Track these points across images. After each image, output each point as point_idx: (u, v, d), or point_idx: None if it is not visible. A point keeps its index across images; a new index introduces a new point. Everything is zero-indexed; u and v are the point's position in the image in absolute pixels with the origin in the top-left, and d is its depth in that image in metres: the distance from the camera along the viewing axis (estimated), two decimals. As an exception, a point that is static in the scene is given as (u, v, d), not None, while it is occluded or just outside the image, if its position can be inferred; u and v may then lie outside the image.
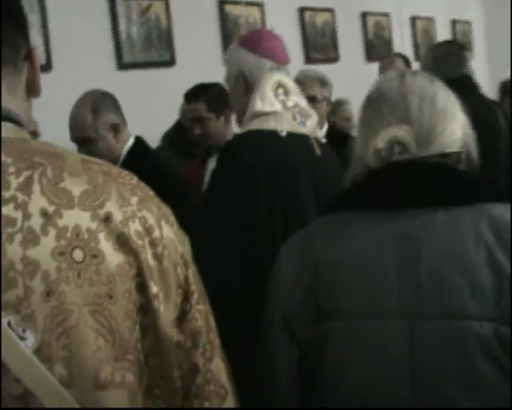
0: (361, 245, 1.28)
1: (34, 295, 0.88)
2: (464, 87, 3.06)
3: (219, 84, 3.41)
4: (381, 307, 1.23)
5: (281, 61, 2.34)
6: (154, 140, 3.97)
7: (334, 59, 6.21)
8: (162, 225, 1.01)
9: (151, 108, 4.34)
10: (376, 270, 1.24)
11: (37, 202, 0.91)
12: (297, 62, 5.78)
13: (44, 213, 0.91)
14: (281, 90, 2.28)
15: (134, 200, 0.99)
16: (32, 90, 1.10)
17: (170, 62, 4.63)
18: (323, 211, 1.42)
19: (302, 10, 5.88)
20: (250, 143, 2.22)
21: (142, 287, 0.96)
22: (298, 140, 2.25)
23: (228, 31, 5.12)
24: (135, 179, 1.04)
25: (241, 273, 2.19)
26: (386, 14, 6.93)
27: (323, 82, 3.93)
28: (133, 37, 4.45)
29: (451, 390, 1.18)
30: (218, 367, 1.05)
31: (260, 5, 5.39)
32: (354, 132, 4.91)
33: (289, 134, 2.22)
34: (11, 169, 0.93)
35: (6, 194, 0.91)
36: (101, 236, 0.93)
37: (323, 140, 2.36)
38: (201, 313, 1.04)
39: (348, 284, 1.26)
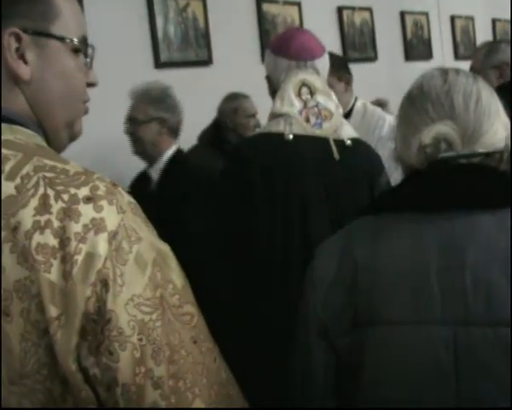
0: (402, 249, 1.24)
1: None
2: None
3: None
4: (424, 312, 1.19)
5: (301, 59, 2.29)
6: (190, 139, 3.96)
7: (373, 58, 6.15)
8: (87, 237, 0.89)
9: (188, 107, 4.31)
10: (418, 274, 1.21)
11: None
12: (335, 62, 5.74)
13: None
14: (305, 89, 2.25)
15: (57, 207, 0.90)
16: (14, 76, 1.04)
17: (207, 61, 4.61)
18: (361, 212, 1.37)
19: (340, 9, 5.84)
20: (252, 146, 2.27)
21: (42, 308, 0.86)
22: (308, 143, 2.22)
23: (265, 30, 5.09)
24: (84, 179, 0.94)
25: (239, 277, 2.21)
26: (425, 13, 6.85)
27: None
28: (170, 35, 4.45)
29: (496, 398, 1.14)
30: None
31: (298, 4, 5.35)
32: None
33: (298, 137, 2.20)
34: None
35: None
36: (6, 247, 0.87)
37: (348, 142, 2.28)
38: (123, 345, 0.88)
39: (389, 289, 1.23)
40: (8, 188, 0.91)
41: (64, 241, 0.87)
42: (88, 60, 1.15)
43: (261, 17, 5.08)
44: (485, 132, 1.26)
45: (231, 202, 2.22)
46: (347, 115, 3.24)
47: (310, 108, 2.25)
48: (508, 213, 1.19)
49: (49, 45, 1.07)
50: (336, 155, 2.24)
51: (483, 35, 7.54)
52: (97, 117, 4.05)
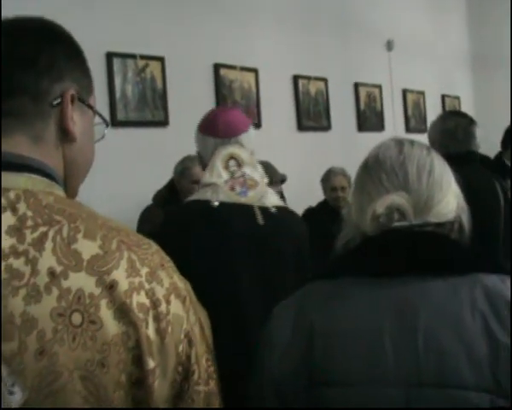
0: (356, 313, 1.26)
1: (27, 352, 0.89)
2: (465, 161, 3.06)
3: None
4: (378, 374, 1.21)
5: (225, 136, 2.48)
6: (145, 198, 3.95)
7: (327, 127, 6.26)
8: (171, 299, 1.00)
9: (143, 167, 4.33)
10: (373, 338, 1.23)
11: (47, 261, 0.93)
12: (290, 129, 5.83)
13: (51, 273, 0.93)
14: (233, 162, 2.44)
15: (144, 271, 0.99)
16: (66, 135, 1.10)
17: (163, 122, 4.64)
18: (316, 277, 1.39)
19: (296, 78, 5.95)
20: (182, 212, 2.46)
21: (138, 360, 0.95)
22: (234, 209, 2.38)
23: (222, 94, 5.16)
24: (154, 248, 1.05)
25: None
26: (378, 86, 7.03)
27: None
28: (128, 95, 4.48)
29: None
30: None
31: (255, 71, 5.45)
32: (341, 202, 4.87)
33: (224, 204, 2.37)
34: (29, 223, 0.96)
35: (20, 247, 0.93)
36: (103, 303, 0.93)
37: (273, 209, 2.44)
38: (201, 394, 1.02)
39: (344, 352, 1.24)
40: (91, 247, 0.97)
41: (155, 302, 0.98)
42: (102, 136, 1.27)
43: (218, 82, 5.16)
44: (437, 203, 1.30)
45: None
46: None
47: (236, 178, 2.42)
48: (459, 280, 1.22)
49: (88, 114, 1.17)
50: (260, 220, 2.39)
51: (433, 109, 7.75)
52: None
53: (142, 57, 4.57)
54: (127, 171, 4.29)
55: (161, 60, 4.69)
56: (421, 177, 1.31)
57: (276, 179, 4.40)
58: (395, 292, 1.24)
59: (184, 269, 2.13)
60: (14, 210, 0.97)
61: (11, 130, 1.05)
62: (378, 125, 6.97)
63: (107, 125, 1.27)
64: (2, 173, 0.99)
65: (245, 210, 2.39)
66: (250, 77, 5.41)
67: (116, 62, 4.42)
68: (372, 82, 6.95)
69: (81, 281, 0.93)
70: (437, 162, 1.36)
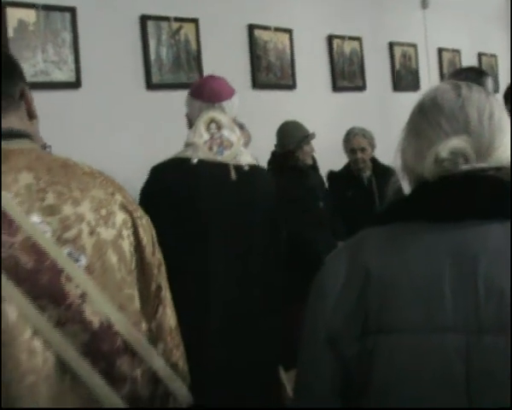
0: (414, 258, 1.25)
1: (84, 233, 1.42)
2: None
3: None
4: (437, 321, 1.20)
5: (210, 101, 2.85)
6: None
7: (362, 87, 6.21)
8: (134, 202, 1.58)
9: (177, 129, 4.34)
10: (431, 283, 1.22)
11: (74, 184, 1.46)
12: (324, 90, 5.79)
13: (79, 189, 1.46)
14: (213, 125, 2.79)
15: (118, 187, 1.55)
16: (32, 115, 1.63)
17: (198, 84, 4.63)
18: (372, 222, 1.38)
19: (330, 38, 5.90)
20: (163, 168, 2.80)
21: (135, 233, 1.52)
22: (210, 166, 2.74)
23: (257, 55, 5.14)
24: (110, 177, 1.58)
25: None
26: (413, 45, 6.93)
27: None
28: (162, 58, 4.48)
29: (508, 405, 1.14)
30: (168, 286, 1.62)
31: (289, 31, 5.41)
32: (360, 164, 4.79)
33: (202, 161, 2.73)
34: (41, 170, 1.47)
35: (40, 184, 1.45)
36: (112, 202, 1.50)
37: (246, 167, 2.79)
38: (161, 255, 1.61)
39: (401, 298, 1.23)
40: (92, 176, 1.52)
41: (131, 202, 1.56)
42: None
43: (253, 42, 5.14)
44: (498, 148, 1.28)
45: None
46: None
47: (214, 139, 2.77)
48: None
49: (31, 99, 1.65)
50: (233, 176, 2.75)
51: (469, 68, 7.63)
52: (87, 134, 4.05)
53: (176, 19, 4.57)
54: (162, 133, 4.32)
55: (195, 22, 4.68)
56: (483, 120, 1.29)
57: (307, 139, 4.41)
58: (453, 237, 1.23)
59: (162, 217, 2.37)
60: (29, 169, 1.44)
61: (8, 114, 1.55)
62: (413, 84, 6.87)
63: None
64: (8, 140, 1.49)
65: (220, 167, 2.74)
66: (284, 37, 5.38)
67: (150, 25, 4.43)
68: (407, 41, 6.84)
69: (97, 193, 1.48)
70: (496, 106, 1.33)
